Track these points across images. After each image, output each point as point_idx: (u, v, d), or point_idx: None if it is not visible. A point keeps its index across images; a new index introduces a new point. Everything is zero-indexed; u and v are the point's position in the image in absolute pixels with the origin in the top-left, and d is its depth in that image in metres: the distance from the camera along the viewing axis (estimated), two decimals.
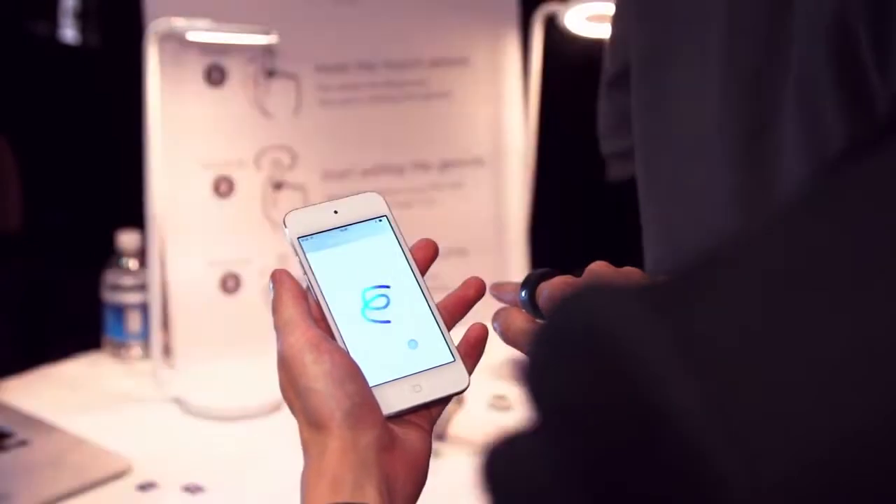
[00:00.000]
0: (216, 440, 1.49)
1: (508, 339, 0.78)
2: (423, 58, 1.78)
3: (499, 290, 0.82)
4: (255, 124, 1.66)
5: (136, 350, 1.71)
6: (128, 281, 1.70)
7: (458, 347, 0.73)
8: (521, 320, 0.77)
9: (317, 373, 0.65)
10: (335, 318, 0.71)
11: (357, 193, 0.76)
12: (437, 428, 1.47)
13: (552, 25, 1.79)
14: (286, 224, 0.73)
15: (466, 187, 1.83)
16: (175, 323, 1.63)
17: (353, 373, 0.66)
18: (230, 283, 1.65)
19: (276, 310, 0.70)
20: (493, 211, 1.86)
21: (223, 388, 1.59)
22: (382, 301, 0.73)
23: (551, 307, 0.39)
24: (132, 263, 1.70)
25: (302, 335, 0.67)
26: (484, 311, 0.77)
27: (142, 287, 1.67)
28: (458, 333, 0.75)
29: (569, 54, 1.99)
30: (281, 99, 1.68)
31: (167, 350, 1.64)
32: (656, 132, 0.89)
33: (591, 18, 1.75)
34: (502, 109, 1.85)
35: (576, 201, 2.10)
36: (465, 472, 1.45)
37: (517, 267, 1.87)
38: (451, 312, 0.75)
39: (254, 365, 1.64)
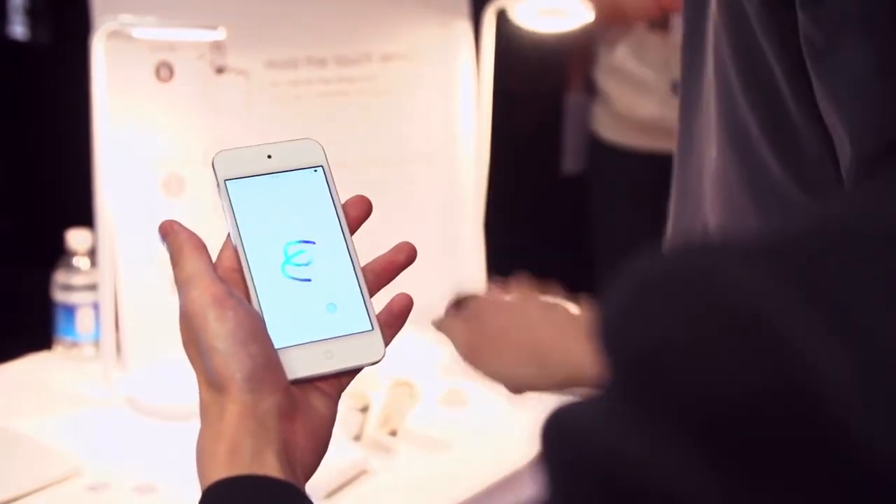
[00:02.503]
0: (168, 439, 1.48)
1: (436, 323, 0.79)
2: (374, 53, 1.78)
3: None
4: (205, 121, 1.65)
5: (88, 350, 1.70)
6: (79, 280, 1.68)
7: (378, 316, 0.68)
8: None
9: (219, 331, 0.62)
10: (252, 270, 0.67)
11: (295, 139, 0.71)
12: (390, 424, 1.48)
13: (503, 20, 1.79)
14: (214, 164, 0.69)
15: (418, 183, 1.83)
16: (126, 323, 1.62)
17: (257, 333, 0.63)
18: None
19: (175, 263, 0.65)
20: (445, 206, 1.86)
21: (174, 388, 1.58)
22: (305, 258, 0.68)
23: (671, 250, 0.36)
24: (83, 263, 1.68)
25: (206, 290, 0.63)
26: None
27: (93, 287, 1.65)
28: (381, 301, 0.71)
29: (520, 49, 1.99)
30: (231, 95, 1.67)
31: (118, 349, 1.62)
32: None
33: (543, 12, 1.75)
34: (454, 104, 1.85)
35: (528, 195, 2.11)
36: (418, 468, 1.45)
37: (470, 261, 1.87)
38: (378, 276, 0.70)
39: None
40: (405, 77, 1.80)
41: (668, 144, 2.40)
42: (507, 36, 1.85)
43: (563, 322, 0.94)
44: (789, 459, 0.31)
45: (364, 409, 1.47)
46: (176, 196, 1.63)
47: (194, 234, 0.67)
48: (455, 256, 1.86)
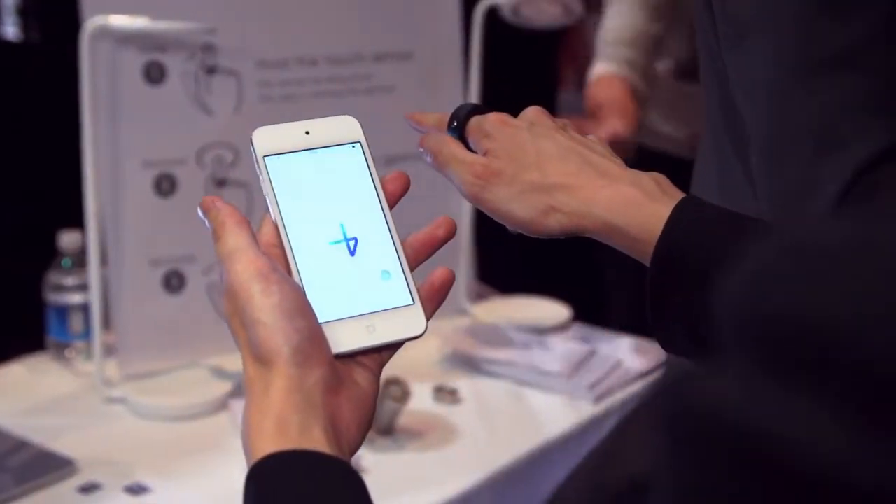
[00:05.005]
0: (160, 440, 1.48)
1: (439, 161, 0.76)
2: (365, 52, 1.77)
3: (419, 118, 0.79)
4: (196, 122, 1.65)
5: (80, 350, 1.69)
6: (70, 281, 1.68)
7: (419, 290, 0.69)
8: (453, 145, 0.75)
9: (265, 305, 0.61)
10: (293, 245, 0.67)
11: (333, 115, 0.71)
12: (382, 422, 1.48)
13: (493, 17, 1.79)
14: (253, 141, 0.69)
15: (413, 182, 1.83)
16: (119, 322, 1.62)
17: (302, 307, 0.63)
18: (174, 282, 1.64)
19: (218, 237, 0.65)
20: (438, 205, 1.86)
21: (167, 388, 1.58)
22: (345, 233, 0.68)
23: None
24: (74, 263, 1.68)
25: (250, 263, 0.63)
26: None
27: (84, 287, 1.65)
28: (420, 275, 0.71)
29: (511, 46, 1.99)
30: (222, 96, 1.67)
31: (110, 350, 1.62)
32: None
33: (532, 9, 1.75)
34: (446, 102, 1.85)
35: None
36: (412, 467, 1.45)
37: (463, 261, 1.87)
38: (417, 251, 0.70)
39: (198, 364, 1.64)
40: (397, 76, 1.80)
41: (669, 144, 2.40)
42: (498, 33, 1.84)
43: (593, 157, 0.75)
44: None
45: None
46: (168, 196, 1.63)
47: (236, 209, 0.67)
48: (446, 257, 1.86)
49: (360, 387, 0.65)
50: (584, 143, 0.76)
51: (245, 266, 0.63)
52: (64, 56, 1.54)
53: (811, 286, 0.34)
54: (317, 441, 0.59)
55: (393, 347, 0.68)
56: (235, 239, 0.65)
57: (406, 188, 0.72)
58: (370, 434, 1.49)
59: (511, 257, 2.10)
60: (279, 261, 0.66)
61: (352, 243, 0.68)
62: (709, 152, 0.80)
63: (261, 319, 0.61)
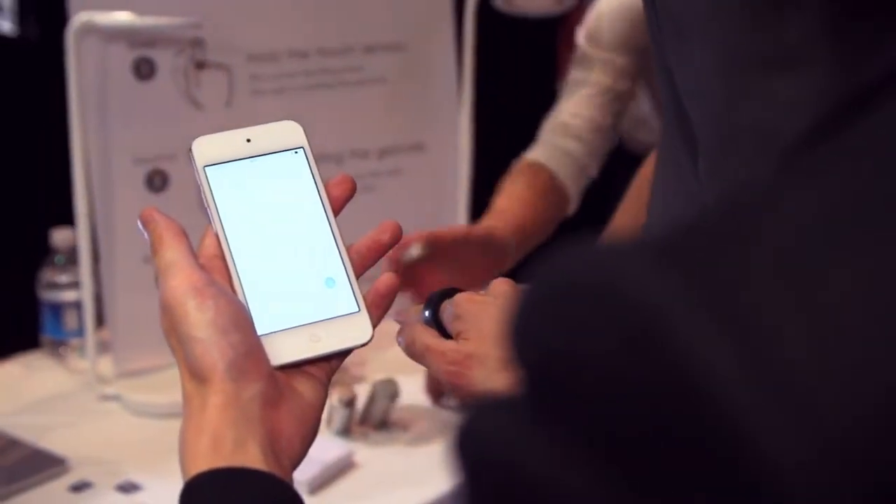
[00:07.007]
0: (153, 437, 1.47)
1: (414, 354, 0.75)
2: (356, 44, 1.76)
3: (401, 314, 0.79)
4: (187, 117, 1.64)
5: (74, 348, 1.69)
6: (64, 279, 1.68)
7: (365, 297, 0.68)
8: (426, 335, 0.75)
9: (199, 320, 0.61)
10: (234, 256, 0.66)
11: (275, 122, 0.70)
12: (375, 417, 1.47)
13: (486, 7, 1.78)
14: (192, 151, 0.68)
15: (406, 174, 1.82)
16: (112, 320, 1.62)
17: (239, 320, 0.62)
18: None
19: (156, 251, 0.65)
20: (433, 197, 1.85)
21: (161, 385, 1.58)
22: (288, 241, 0.67)
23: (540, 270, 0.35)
24: (67, 261, 1.68)
25: (186, 279, 0.62)
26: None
27: (78, 284, 1.65)
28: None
29: (508, 36, 1.98)
30: (213, 90, 1.66)
31: (105, 347, 1.62)
32: None
33: (525, 0, 1.74)
34: (439, 94, 1.84)
35: None
36: (405, 461, 1.44)
37: None
38: (363, 257, 0.69)
39: None
40: (389, 67, 1.79)
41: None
42: (494, 23, 1.83)
43: None
44: (682, 465, 0.30)
45: (350, 404, 1.46)
46: (160, 192, 1.63)
47: (174, 221, 0.66)
48: None
49: (303, 398, 0.64)
50: None
51: (180, 281, 0.63)
52: (58, 52, 1.53)
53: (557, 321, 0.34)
54: (251, 457, 0.59)
55: (340, 356, 0.67)
56: (172, 252, 0.64)
57: (352, 192, 0.70)
58: (363, 429, 1.49)
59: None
60: (221, 273, 0.66)
61: (295, 251, 0.67)
62: (664, 152, 0.79)
63: (195, 336, 0.61)
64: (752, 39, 0.62)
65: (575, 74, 1.66)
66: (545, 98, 1.85)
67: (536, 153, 1.61)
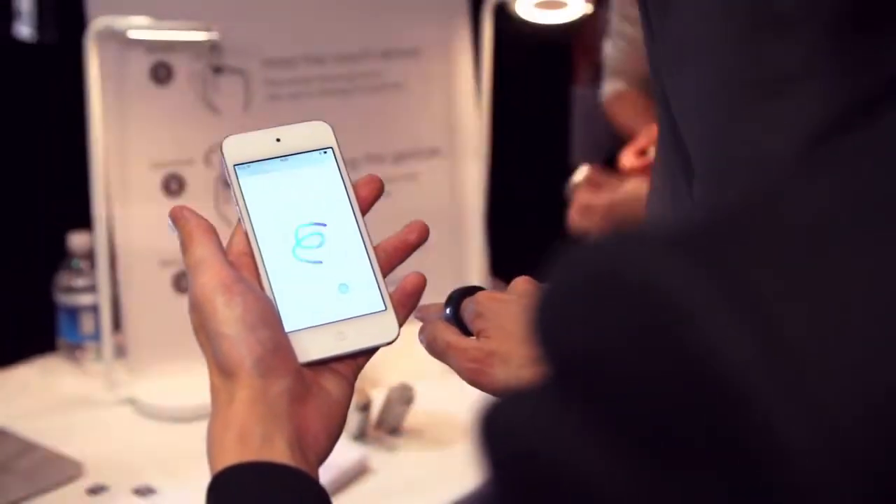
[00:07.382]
0: (169, 441, 1.48)
1: (435, 351, 0.75)
2: (373, 50, 1.77)
3: (423, 311, 0.79)
4: (204, 122, 1.65)
5: (91, 352, 1.70)
6: (80, 282, 1.68)
7: (391, 296, 0.68)
8: (447, 332, 0.75)
9: (228, 317, 0.61)
10: (263, 254, 0.66)
11: (304, 122, 0.71)
12: (391, 422, 1.47)
13: (502, 13, 1.78)
14: (223, 150, 0.68)
15: (422, 178, 1.82)
16: (129, 324, 1.62)
17: (267, 317, 0.63)
18: (184, 283, 1.64)
19: (186, 248, 0.65)
20: (449, 201, 1.85)
21: (177, 389, 1.58)
22: (316, 240, 0.68)
23: (555, 264, 0.36)
24: (84, 265, 1.68)
25: (215, 275, 0.63)
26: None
27: (95, 288, 1.65)
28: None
29: (524, 42, 1.98)
30: (229, 95, 1.66)
31: (122, 351, 1.62)
32: None
33: (540, 5, 1.74)
34: (455, 99, 1.84)
35: (532, 189, 2.10)
36: (420, 466, 1.44)
37: (475, 257, 1.86)
38: (390, 256, 0.69)
39: None
40: (405, 73, 1.79)
41: None
42: (510, 29, 1.83)
43: None
44: (702, 446, 0.31)
45: (365, 408, 1.46)
46: (176, 197, 1.63)
47: (204, 219, 0.67)
48: (459, 254, 1.85)
49: (330, 395, 0.65)
50: None
51: (209, 278, 0.63)
52: (76, 57, 1.54)
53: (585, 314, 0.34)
54: (279, 452, 0.59)
55: (366, 354, 0.68)
56: (201, 249, 0.65)
57: (380, 192, 0.71)
58: (378, 434, 1.49)
59: (526, 253, 2.09)
60: (250, 270, 0.66)
61: (323, 250, 0.68)
62: (661, 169, 0.78)
63: (224, 332, 0.61)
64: (750, 62, 0.62)
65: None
66: (561, 103, 1.85)
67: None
